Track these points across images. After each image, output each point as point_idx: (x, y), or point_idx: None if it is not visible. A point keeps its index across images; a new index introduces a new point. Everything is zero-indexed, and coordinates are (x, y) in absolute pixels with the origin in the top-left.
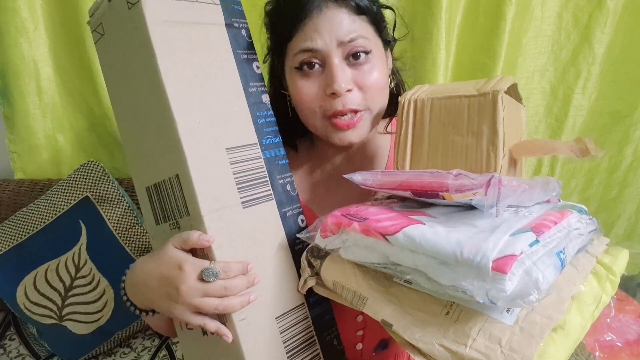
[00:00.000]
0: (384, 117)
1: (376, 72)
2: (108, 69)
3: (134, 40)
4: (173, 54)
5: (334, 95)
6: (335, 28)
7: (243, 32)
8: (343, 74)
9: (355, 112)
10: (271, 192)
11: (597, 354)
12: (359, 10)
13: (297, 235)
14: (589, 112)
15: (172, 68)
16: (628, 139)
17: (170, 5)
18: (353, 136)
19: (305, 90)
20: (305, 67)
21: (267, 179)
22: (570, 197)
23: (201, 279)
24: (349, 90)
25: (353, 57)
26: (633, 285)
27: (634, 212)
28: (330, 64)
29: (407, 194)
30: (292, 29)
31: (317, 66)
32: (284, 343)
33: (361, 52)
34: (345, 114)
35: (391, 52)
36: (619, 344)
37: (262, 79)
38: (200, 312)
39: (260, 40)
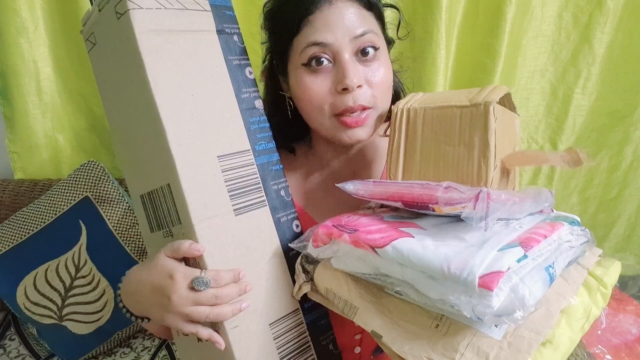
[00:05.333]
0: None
1: (384, 69)
2: (101, 78)
3: (124, 49)
4: (162, 62)
5: (346, 90)
6: (347, 22)
7: (235, 37)
8: (355, 69)
9: (364, 109)
10: (264, 198)
11: None
12: (369, 6)
13: (290, 245)
14: (589, 112)
15: (161, 77)
16: (628, 139)
17: (159, 14)
18: (362, 134)
19: (315, 87)
20: (313, 63)
21: (260, 185)
22: (570, 197)
23: (192, 288)
24: (359, 87)
25: (362, 54)
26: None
27: (634, 212)
28: (341, 59)
29: (399, 204)
30: (300, 22)
31: (325, 62)
32: (277, 349)
33: (370, 47)
34: (355, 111)
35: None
36: (608, 357)
37: (255, 85)
38: (192, 320)
39: (261, 40)
